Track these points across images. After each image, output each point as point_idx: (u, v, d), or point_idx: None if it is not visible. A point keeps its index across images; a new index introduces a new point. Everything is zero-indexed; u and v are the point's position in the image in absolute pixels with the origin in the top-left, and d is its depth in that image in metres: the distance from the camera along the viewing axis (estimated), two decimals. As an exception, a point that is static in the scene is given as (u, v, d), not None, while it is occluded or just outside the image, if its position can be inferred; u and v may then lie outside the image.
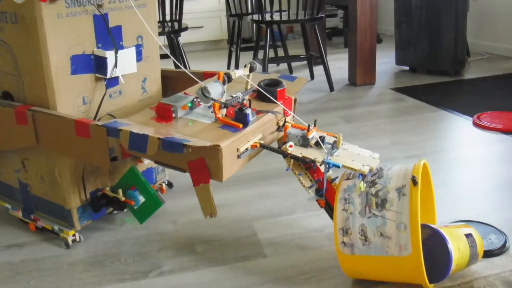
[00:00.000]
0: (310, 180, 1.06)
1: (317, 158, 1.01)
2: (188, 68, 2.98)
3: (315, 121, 1.11)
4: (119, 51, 1.19)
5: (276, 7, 3.48)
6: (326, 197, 1.06)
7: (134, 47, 1.26)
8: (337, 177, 1.06)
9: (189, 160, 0.97)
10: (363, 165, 0.99)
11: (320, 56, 2.73)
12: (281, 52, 3.77)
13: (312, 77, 3.08)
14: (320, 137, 1.06)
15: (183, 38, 4.23)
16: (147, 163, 1.29)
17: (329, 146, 1.05)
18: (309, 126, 1.06)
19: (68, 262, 1.19)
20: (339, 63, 3.52)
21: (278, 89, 1.17)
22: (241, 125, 1.03)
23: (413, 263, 0.89)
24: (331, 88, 2.72)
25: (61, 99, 1.13)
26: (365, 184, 0.96)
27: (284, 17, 2.71)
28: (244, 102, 1.13)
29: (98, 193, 1.25)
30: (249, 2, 3.53)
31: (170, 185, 1.56)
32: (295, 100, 1.25)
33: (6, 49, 1.14)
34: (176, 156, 0.98)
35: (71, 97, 1.16)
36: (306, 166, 1.06)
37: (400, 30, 3.05)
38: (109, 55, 1.17)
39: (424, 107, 2.32)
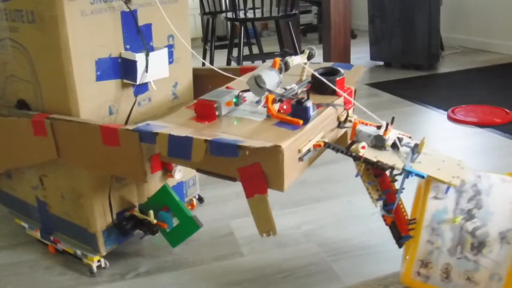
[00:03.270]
0: (378, 190, 0.90)
1: (396, 164, 0.84)
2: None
3: (393, 118, 0.93)
4: (150, 53, 1.05)
5: (250, 4, 3.46)
6: (394, 215, 0.90)
7: (166, 48, 1.11)
8: (404, 188, 0.90)
9: (241, 167, 0.81)
10: (453, 177, 0.83)
11: (294, 53, 2.72)
12: (255, 50, 3.76)
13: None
14: (398, 138, 0.89)
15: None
16: (178, 177, 1.14)
17: (409, 150, 0.88)
18: (387, 124, 0.89)
19: (45, 266, 1.18)
20: (314, 59, 3.52)
21: (337, 78, 0.99)
22: (301, 122, 0.86)
23: None
24: (307, 85, 2.72)
25: (85, 109, 1.00)
26: (461, 217, 0.82)
27: (258, 15, 2.70)
28: (300, 95, 0.95)
29: (125, 214, 1.12)
30: (223, 0, 3.50)
31: (200, 199, 1.45)
32: (355, 91, 1.08)
33: (22, 53, 1.01)
34: (224, 162, 0.82)
35: (95, 106, 1.02)
36: (376, 173, 0.89)
37: (374, 25, 3.07)
38: (139, 58, 1.03)
39: (399, 101, 2.34)
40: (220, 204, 1.44)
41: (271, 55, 2.96)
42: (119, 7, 1.01)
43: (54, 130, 0.97)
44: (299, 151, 0.83)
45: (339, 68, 1.04)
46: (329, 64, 1.09)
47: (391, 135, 0.88)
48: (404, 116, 2.13)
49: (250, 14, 2.79)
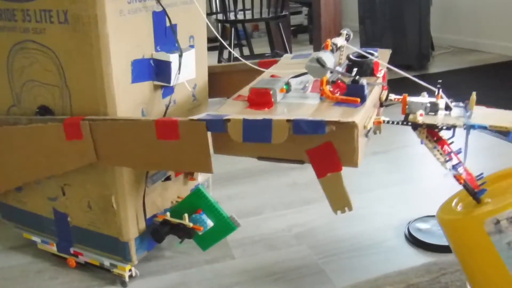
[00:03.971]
0: (441, 154, 0.93)
1: (457, 122, 0.88)
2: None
3: (440, 83, 0.97)
4: (183, 54, 1.03)
5: (240, 5, 3.46)
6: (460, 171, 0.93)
7: (193, 49, 1.10)
8: (460, 149, 0.96)
9: (310, 148, 0.82)
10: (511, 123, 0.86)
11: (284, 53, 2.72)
12: (246, 51, 3.76)
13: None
14: (449, 101, 0.94)
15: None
16: (201, 180, 1.13)
17: (462, 109, 0.92)
18: (439, 89, 0.94)
19: (36, 270, 1.17)
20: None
21: (375, 60, 1.03)
22: (358, 100, 0.88)
23: None
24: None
25: (120, 112, 0.96)
26: None
27: (248, 16, 2.69)
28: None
29: (154, 220, 1.10)
30: (213, 2, 3.49)
31: None
32: (385, 72, 1.13)
33: (48, 56, 0.96)
34: (291, 145, 0.82)
35: (130, 109, 0.99)
36: (435, 137, 0.93)
37: (364, 25, 3.08)
38: (173, 58, 1.01)
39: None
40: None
41: (262, 57, 2.96)
42: (151, 6, 1.00)
43: (93, 131, 0.93)
44: (365, 127, 0.84)
45: (372, 51, 1.07)
46: (355, 49, 1.12)
47: (442, 100, 0.92)
48: (394, 117, 2.13)
49: (240, 16, 2.78)
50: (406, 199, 1.38)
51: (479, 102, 0.97)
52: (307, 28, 4.73)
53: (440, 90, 0.94)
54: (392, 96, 1.05)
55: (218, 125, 0.84)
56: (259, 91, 0.92)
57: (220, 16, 2.81)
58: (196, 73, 1.13)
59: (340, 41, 1.02)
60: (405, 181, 1.50)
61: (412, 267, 1.06)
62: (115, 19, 0.91)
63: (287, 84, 0.97)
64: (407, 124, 0.90)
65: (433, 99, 0.93)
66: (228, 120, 0.83)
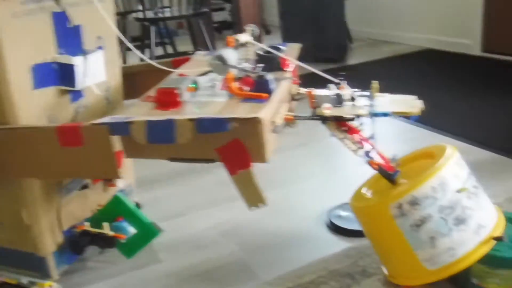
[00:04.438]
0: (353, 143, 0.96)
1: (361, 112, 0.91)
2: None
3: (343, 75, 1.02)
4: (88, 56, 1.00)
5: (164, 2, 3.41)
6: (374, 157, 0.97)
7: (102, 50, 1.07)
8: (373, 133, 1.00)
9: (219, 146, 0.82)
10: (412, 107, 0.93)
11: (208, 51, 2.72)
12: (170, 50, 3.71)
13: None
14: (353, 91, 0.97)
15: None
16: (121, 185, 1.10)
17: (366, 98, 0.95)
18: (339, 82, 0.97)
19: None
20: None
21: (282, 55, 1.04)
22: (265, 95, 0.89)
23: (420, 274, 0.90)
24: (222, 83, 2.72)
25: (23, 119, 0.91)
26: (468, 189, 0.88)
27: (168, 14, 2.66)
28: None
29: (73, 231, 1.05)
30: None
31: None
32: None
33: None
34: (200, 145, 0.81)
35: (33, 117, 0.94)
36: (345, 127, 0.95)
37: (285, 20, 3.14)
38: (77, 61, 0.97)
39: (311, 94, 2.40)
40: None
41: (184, 55, 2.93)
42: (50, 7, 0.95)
43: None
44: (273, 122, 0.86)
45: (279, 46, 1.08)
46: (264, 45, 1.14)
47: (347, 91, 0.97)
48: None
49: (160, 13, 2.74)
50: (329, 189, 1.44)
51: (392, 90, 1.03)
52: (231, 24, 4.74)
53: (345, 82, 1.01)
54: (303, 90, 1.07)
55: (121, 128, 0.82)
56: (165, 91, 0.92)
57: (138, 15, 2.75)
58: (107, 75, 1.10)
59: (244, 37, 1.03)
60: (327, 171, 1.56)
61: (333, 253, 1.11)
62: (8, 22, 0.86)
63: (195, 82, 0.97)
64: (316, 118, 0.93)
65: (338, 91, 0.97)
66: (131, 122, 0.81)
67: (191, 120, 0.79)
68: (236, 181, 0.84)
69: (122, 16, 3.16)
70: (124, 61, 3.08)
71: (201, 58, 1.24)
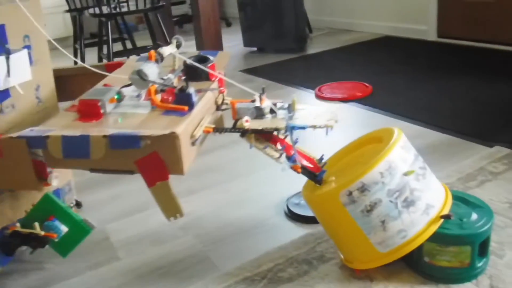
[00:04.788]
0: (276, 150, 0.98)
1: (279, 125, 0.93)
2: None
3: (263, 88, 1.03)
4: (10, 56, 0.98)
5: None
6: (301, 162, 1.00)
7: (26, 50, 1.05)
8: (297, 138, 1.01)
9: (138, 159, 0.83)
10: (328, 121, 0.96)
11: (166, 45, 2.68)
12: (130, 45, 3.65)
13: (162, 67, 3.03)
14: (274, 103, 0.99)
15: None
16: (55, 184, 1.08)
17: (285, 111, 0.98)
18: (260, 94, 0.99)
19: None
20: (191, 50, 3.50)
21: (209, 64, 1.05)
22: (186, 108, 0.91)
23: (374, 258, 0.93)
24: (182, 77, 2.70)
25: None
26: (415, 172, 0.91)
27: (125, 9, 2.61)
28: (179, 84, 1.01)
29: (5, 232, 1.03)
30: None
31: (78, 205, 1.39)
32: (224, 75, 1.15)
33: None
34: (121, 157, 0.83)
35: None
36: (266, 137, 0.98)
37: (244, 12, 3.13)
38: None
39: (272, 85, 2.42)
40: (94, 209, 1.38)
41: (143, 49, 2.89)
42: None
43: None
44: (192, 136, 0.87)
45: (208, 56, 1.09)
46: (196, 53, 1.16)
47: (267, 104, 0.98)
48: (275, 99, 2.20)
49: (119, 8, 2.69)
50: (287, 177, 1.44)
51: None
52: (192, 17, 4.69)
53: (263, 96, 1.00)
54: (228, 100, 1.08)
55: (38, 142, 0.83)
56: (87, 103, 0.93)
57: (93, 10, 2.69)
58: (36, 74, 1.09)
59: (168, 49, 1.03)
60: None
61: (291, 240, 1.12)
62: None
63: (119, 93, 0.98)
64: (236, 131, 0.95)
65: (258, 104, 0.99)
66: (48, 137, 0.82)
67: (105, 136, 0.80)
68: (154, 192, 0.86)
69: (78, 12, 3.08)
70: (82, 59, 3.02)
71: (133, 64, 1.22)
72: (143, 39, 4.03)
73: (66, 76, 1.25)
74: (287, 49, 3.13)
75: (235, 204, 1.33)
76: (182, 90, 0.92)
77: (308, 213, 1.20)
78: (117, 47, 3.39)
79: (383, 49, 3.00)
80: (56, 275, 1.11)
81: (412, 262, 0.97)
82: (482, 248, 0.93)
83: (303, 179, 1.04)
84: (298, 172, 0.98)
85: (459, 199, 1.00)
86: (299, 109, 1.01)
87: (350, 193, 0.89)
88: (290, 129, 0.93)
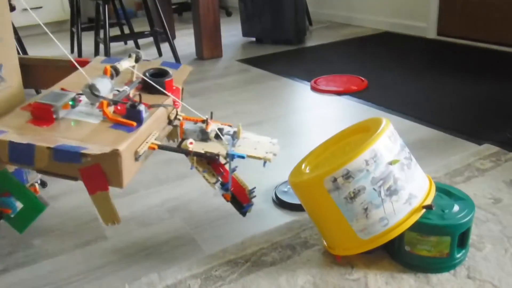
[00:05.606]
0: (213, 175, 1.02)
1: (221, 151, 0.97)
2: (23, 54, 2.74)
3: (212, 113, 1.08)
4: None
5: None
6: (232, 191, 1.04)
7: None
8: (236, 167, 1.07)
9: (82, 167, 0.87)
10: (266, 153, 1.00)
11: (164, 32, 2.69)
12: (127, 31, 3.65)
13: (160, 54, 3.04)
14: (219, 129, 1.02)
15: (19, 20, 3.86)
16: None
17: (230, 137, 1.01)
18: (206, 119, 1.02)
19: None
20: (188, 38, 3.52)
21: (166, 80, 1.08)
22: (135, 124, 0.94)
23: (355, 245, 0.95)
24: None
25: None
26: (399, 161, 0.92)
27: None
28: (132, 96, 1.05)
29: None
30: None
31: (43, 184, 1.42)
32: (182, 89, 1.18)
33: None
34: (65, 165, 0.87)
35: None
36: (208, 161, 1.02)
37: (244, 2, 3.13)
38: None
39: (267, 76, 2.43)
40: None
41: (141, 35, 2.89)
42: None
43: None
44: (136, 152, 0.91)
45: (167, 69, 1.12)
46: (157, 64, 1.19)
47: (213, 128, 1.01)
48: (270, 90, 2.22)
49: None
50: (276, 166, 1.46)
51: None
52: (191, 6, 4.68)
53: (211, 120, 1.04)
54: (182, 115, 1.10)
55: None
56: (41, 107, 0.95)
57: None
58: (1, 54, 1.08)
59: (126, 63, 1.06)
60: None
61: (277, 226, 1.13)
62: None
63: (73, 99, 1.00)
64: (179, 151, 0.98)
65: (203, 126, 1.02)
66: None
67: (49, 148, 0.85)
68: (94, 200, 0.90)
69: (76, -5, 3.07)
70: (79, 43, 3.01)
71: (97, 65, 1.22)
72: (141, 26, 4.03)
73: (32, 65, 1.26)
74: (285, 41, 3.14)
75: (223, 190, 1.34)
76: (133, 106, 0.94)
77: (295, 200, 1.22)
78: (115, 32, 3.39)
79: (382, 44, 3.00)
80: (44, 253, 1.12)
81: (393, 250, 0.99)
82: (462, 239, 0.95)
83: (292, 168, 1.06)
84: (227, 201, 1.05)
85: (443, 191, 1.02)
86: (243, 137, 1.05)
87: (335, 180, 0.90)
88: (230, 156, 0.97)
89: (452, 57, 2.60)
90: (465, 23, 2.90)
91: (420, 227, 0.92)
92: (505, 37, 2.70)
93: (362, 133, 1.01)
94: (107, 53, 2.59)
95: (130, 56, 1.09)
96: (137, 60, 1.09)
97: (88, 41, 3.54)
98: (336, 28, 3.58)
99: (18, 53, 2.59)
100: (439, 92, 2.06)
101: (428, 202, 0.94)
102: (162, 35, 2.98)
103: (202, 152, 0.97)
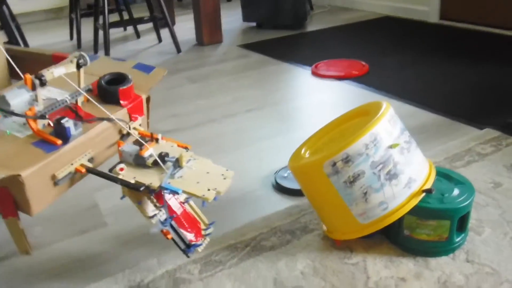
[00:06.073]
0: (156, 205, 0.87)
1: (153, 182, 0.82)
2: (22, 44, 2.72)
3: (152, 134, 0.95)
4: None
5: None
6: (176, 226, 0.90)
7: None
8: (189, 198, 0.95)
9: None
10: (209, 190, 0.82)
11: (164, 18, 2.67)
12: (127, 17, 3.63)
13: (159, 40, 3.02)
14: (161, 153, 0.86)
15: (18, 8, 3.84)
16: None
17: (172, 164, 0.86)
18: (148, 141, 0.91)
19: None
20: (189, 24, 3.49)
21: (121, 88, 0.95)
22: (59, 142, 0.83)
23: (354, 229, 0.95)
24: (178, 50, 2.71)
25: None
26: (399, 146, 0.91)
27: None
28: (81, 105, 0.94)
29: None
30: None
31: None
32: (148, 98, 1.01)
33: None
34: None
35: None
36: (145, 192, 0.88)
37: (245, -13, 3.09)
38: None
39: (268, 61, 2.41)
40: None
41: (140, 21, 2.87)
42: None
43: None
44: (55, 176, 0.81)
45: (129, 74, 0.98)
46: (130, 65, 1.05)
47: (152, 152, 0.86)
48: (271, 75, 2.21)
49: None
50: (276, 151, 1.46)
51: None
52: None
53: (156, 141, 0.92)
54: (134, 132, 0.96)
55: None
56: None
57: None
58: None
59: (61, 70, 0.90)
60: (275, 135, 1.58)
61: (276, 211, 1.13)
62: None
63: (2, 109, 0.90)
64: (108, 178, 0.85)
65: (138, 152, 0.88)
66: None
67: None
68: (7, 224, 0.83)
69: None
70: (78, 29, 2.99)
71: (72, 60, 1.13)
72: (141, 12, 4.00)
73: (18, 57, 1.18)
74: (286, 26, 3.11)
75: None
76: (59, 122, 0.83)
77: (295, 186, 1.22)
78: (114, 18, 3.36)
79: (383, 29, 2.97)
80: (43, 241, 1.12)
81: (392, 235, 0.98)
82: (461, 223, 0.95)
83: (291, 153, 1.05)
84: (168, 238, 0.89)
85: (443, 175, 1.01)
86: (189, 165, 0.88)
87: (334, 164, 0.90)
88: (163, 189, 0.82)
89: (455, 42, 2.57)
90: (468, 7, 2.86)
91: (420, 211, 0.92)
92: (509, 21, 2.67)
93: (362, 117, 1.01)
94: (106, 39, 2.58)
95: (71, 61, 0.94)
96: (78, 66, 0.92)
97: (87, 27, 3.52)
98: (337, 13, 3.54)
99: (17, 40, 2.57)
100: (440, 77, 2.04)
101: (428, 186, 0.93)
102: (161, 21, 2.96)
103: (132, 181, 0.83)
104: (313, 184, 0.96)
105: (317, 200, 0.99)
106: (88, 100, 0.96)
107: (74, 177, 0.87)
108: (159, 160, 0.85)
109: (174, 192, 0.81)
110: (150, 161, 0.86)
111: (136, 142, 0.93)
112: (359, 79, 2.07)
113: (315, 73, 2.17)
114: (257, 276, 0.93)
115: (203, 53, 2.71)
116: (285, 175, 1.28)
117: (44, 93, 0.90)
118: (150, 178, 0.83)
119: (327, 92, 1.95)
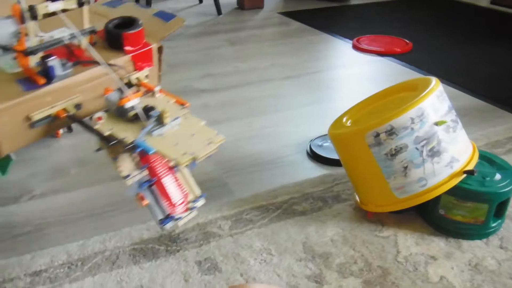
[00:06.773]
0: (137, 166, 0.79)
1: (127, 137, 0.73)
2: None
3: (138, 78, 0.88)
4: None
5: None
6: (151, 191, 0.82)
7: None
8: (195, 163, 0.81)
9: None
10: (184, 154, 0.72)
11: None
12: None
13: (200, 0, 2.98)
14: (146, 107, 0.76)
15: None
16: None
17: (154, 120, 0.77)
18: (135, 92, 0.82)
19: None
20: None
21: (125, 32, 0.85)
22: (42, 81, 0.76)
23: (389, 202, 0.94)
24: (219, 12, 2.68)
25: None
26: (446, 122, 0.89)
27: None
28: (77, 46, 0.85)
29: None
30: None
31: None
32: (160, 48, 0.93)
33: None
34: None
35: None
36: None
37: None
38: None
39: (308, 30, 2.37)
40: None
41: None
42: None
43: None
44: (30, 117, 0.75)
45: (139, 20, 0.89)
46: (150, 12, 0.97)
47: (136, 104, 0.77)
48: (310, 45, 2.17)
49: None
50: (312, 120, 1.44)
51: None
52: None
53: (140, 91, 0.83)
54: (144, 81, 0.88)
55: None
56: None
57: None
58: None
59: (55, 6, 0.78)
60: (312, 103, 1.56)
61: (309, 178, 1.13)
62: None
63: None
64: (83, 126, 0.78)
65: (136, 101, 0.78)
66: None
67: None
68: None
69: None
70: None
71: (97, 9, 1.05)
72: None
73: None
74: (329, -3, 3.04)
75: (258, 138, 1.34)
76: (44, 59, 0.75)
77: (330, 155, 1.21)
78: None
79: (430, 9, 2.88)
80: (80, 182, 1.15)
81: (426, 212, 0.97)
82: (500, 209, 0.93)
83: (328, 123, 1.04)
84: (142, 205, 0.80)
85: (486, 159, 0.99)
86: (176, 123, 0.78)
87: (378, 135, 0.88)
88: (136, 145, 0.73)
89: (503, 27, 2.47)
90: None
91: (458, 192, 0.90)
92: None
93: (409, 91, 0.98)
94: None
95: None
96: (80, 3, 0.83)
97: None
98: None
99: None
100: (486, 62, 1.97)
101: (470, 167, 0.91)
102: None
103: (106, 133, 0.75)
104: (352, 154, 0.95)
105: (354, 170, 0.98)
106: (94, 43, 0.88)
107: (55, 122, 0.79)
108: (139, 114, 0.76)
109: (148, 150, 0.72)
110: (132, 113, 0.76)
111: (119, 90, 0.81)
112: (401, 57, 2.02)
113: (356, 47, 2.13)
114: (286, 238, 0.94)
115: (243, 17, 2.68)
116: (320, 143, 1.27)
117: (51, 34, 0.83)
118: (127, 132, 0.75)
119: (368, 66, 1.91)
